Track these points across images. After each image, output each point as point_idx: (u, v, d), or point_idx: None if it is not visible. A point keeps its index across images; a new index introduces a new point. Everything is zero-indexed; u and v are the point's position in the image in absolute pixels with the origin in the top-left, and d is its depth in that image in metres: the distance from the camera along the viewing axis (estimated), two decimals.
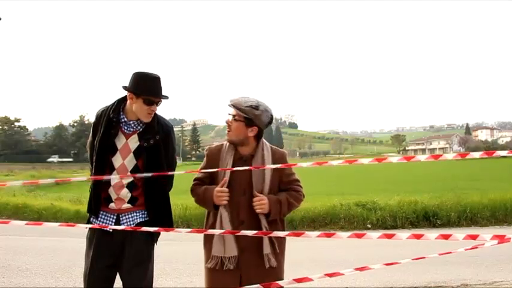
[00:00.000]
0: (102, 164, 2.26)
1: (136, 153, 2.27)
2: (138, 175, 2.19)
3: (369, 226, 7.99)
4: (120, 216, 2.28)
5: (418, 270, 4.52)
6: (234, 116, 2.23)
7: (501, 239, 1.58)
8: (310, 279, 1.74)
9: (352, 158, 1.87)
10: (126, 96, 2.28)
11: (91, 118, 66.93)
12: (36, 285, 4.17)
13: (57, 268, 4.78)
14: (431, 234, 1.64)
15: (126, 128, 2.29)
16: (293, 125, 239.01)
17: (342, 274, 1.78)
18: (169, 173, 2.28)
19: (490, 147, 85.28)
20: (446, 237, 1.59)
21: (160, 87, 2.26)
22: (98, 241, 2.24)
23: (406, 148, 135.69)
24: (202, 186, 2.29)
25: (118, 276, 2.30)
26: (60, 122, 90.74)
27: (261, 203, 2.16)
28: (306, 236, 1.86)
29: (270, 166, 2.19)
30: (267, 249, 2.16)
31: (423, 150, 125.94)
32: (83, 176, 28.90)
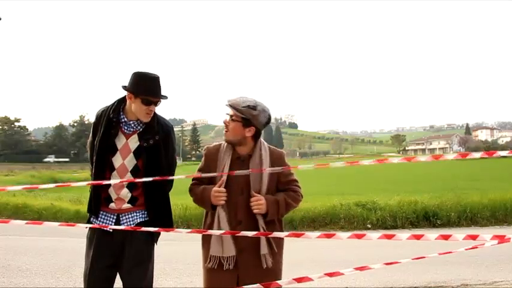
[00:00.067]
0: (102, 164, 2.26)
1: (136, 153, 2.27)
2: (138, 180, 2.19)
3: (369, 226, 7.99)
4: (120, 216, 2.28)
5: (418, 270, 4.52)
6: (231, 116, 2.23)
7: (501, 239, 1.58)
8: (310, 279, 1.74)
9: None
10: (126, 96, 2.28)
11: (91, 118, 67.07)
12: (36, 285, 4.17)
13: (57, 268, 4.78)
14: (431, 234, 1.64)
15: (126, 128, 2.29)
16: (293, 125, 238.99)
17: (342, 274, 1.79)
18: (170, 177, 2.28)
19: (490, 147, 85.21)
20: (446, 237, 1.60)
21: (159, 87, 2.25)
22: (98, 241, 2.24)
23: (406, 148, 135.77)
24: (200, 186, 2.29)
25: (118, 276, 2.30)
26: (60, 122, 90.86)
27: (259, 203, 2.16)
28: (306, 237, 1.86)
29: (270, 169, 2.19)
30: (264, 249, 2.17)
31: (423, 150, 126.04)
32: (83, 175, 28.99)
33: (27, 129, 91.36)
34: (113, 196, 2.27)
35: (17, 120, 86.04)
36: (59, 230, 7.34)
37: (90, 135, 2.38)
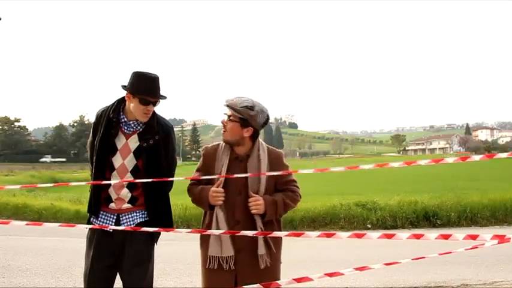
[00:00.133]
0: (102, 164, 2.26)
1: (136, 153, 2.27)
2: (138, 180, 2.19)
3: (369, 226, 7.98)
4: (120, 216, 2.28)
5: (418, 270, 4.52)
6: (229, 116, 2.23)
7: (501, 239, 1.58)
8: (310, 279, 1.74)
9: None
10: (125, 96, 2.28)
11: (91, 118, 67.20)
12: (36, 285, 4.17)
13: (57, 268, 4.78)
14: (431, 234, 1.64)
15: (126, 128, 2.29)
16: (293, 125, 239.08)
17: (342, 274, 1.78)
18: (170, 179, 2.27)
19: (490, 147, 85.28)
20: (446, 237, 1.59)
21: (158, 88, 2.25)
22: (98, 241, 2.24)
23: (406, 148, 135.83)
24: (198, 186, 2.29)
25: (118, 276, 2.30)
26: (60, 122, 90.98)
27: (257, 203, 2.16)
28: (306, 236, 1.86)
29: (270, 173, 2.19)
30: (261, 249, 2.17)
31: (423, 150, 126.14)
32: (83, 175, 28.96)
33: (27, 129, 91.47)
34: (113, 196, 2.27)
35: (17, 120, 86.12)
36: (59, 230, 7.34)
37: (90, 135, 2.38)
